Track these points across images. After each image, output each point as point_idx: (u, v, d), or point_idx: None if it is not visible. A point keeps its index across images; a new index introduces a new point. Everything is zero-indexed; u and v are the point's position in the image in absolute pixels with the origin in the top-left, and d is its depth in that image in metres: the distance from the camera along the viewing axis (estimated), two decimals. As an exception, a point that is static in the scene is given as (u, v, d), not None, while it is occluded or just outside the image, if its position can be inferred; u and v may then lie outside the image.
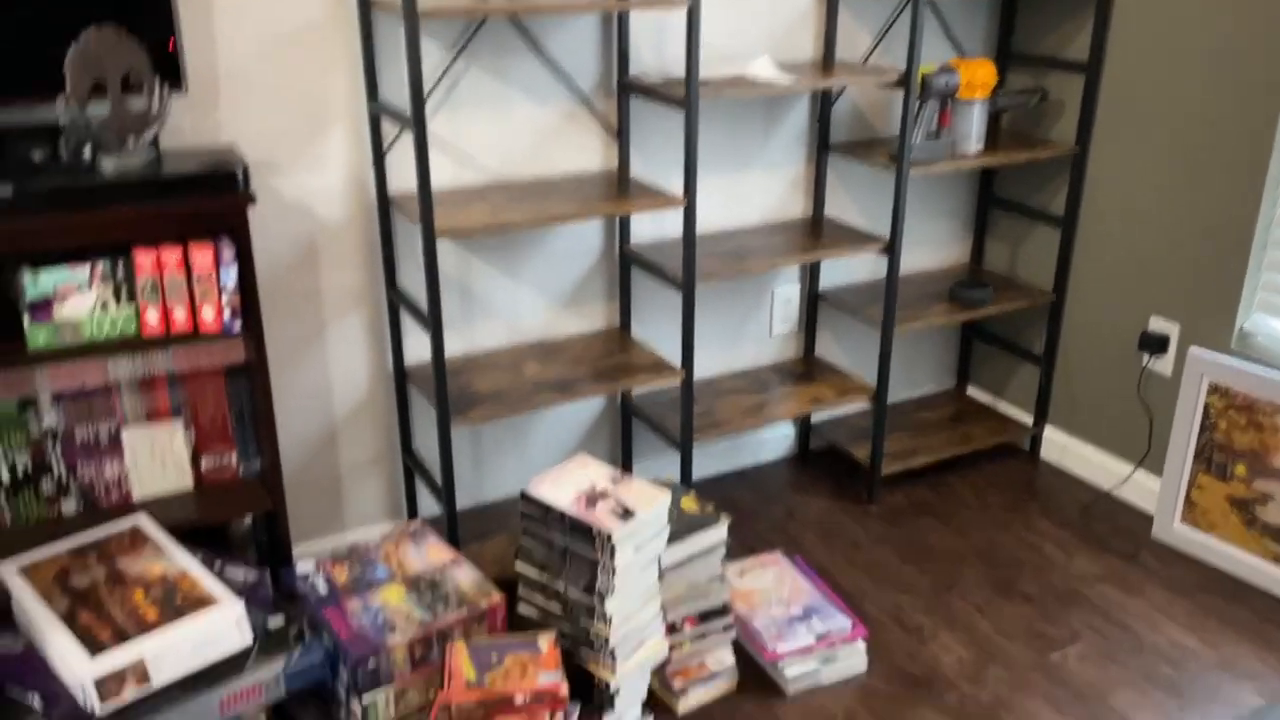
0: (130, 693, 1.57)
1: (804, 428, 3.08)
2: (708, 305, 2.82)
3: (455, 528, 2.32)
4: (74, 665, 1.55)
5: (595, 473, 1.91)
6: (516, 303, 2.57)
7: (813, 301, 2.94)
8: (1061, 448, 3.00)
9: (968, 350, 3.26)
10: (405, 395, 2.50)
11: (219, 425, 2.09)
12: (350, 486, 2.55)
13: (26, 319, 1.77)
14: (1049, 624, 2.33)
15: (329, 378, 2.43)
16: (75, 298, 1.79)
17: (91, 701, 1.54)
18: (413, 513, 2.62)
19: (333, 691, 1.88)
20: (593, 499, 1.83)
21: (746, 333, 2.91)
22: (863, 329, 3.08)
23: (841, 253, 2.57)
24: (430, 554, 2.07)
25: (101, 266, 1.80)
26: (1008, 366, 3.16)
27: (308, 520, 2.51)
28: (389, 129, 2.29)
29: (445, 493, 2.29)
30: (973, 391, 3.29)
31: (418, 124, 1.97)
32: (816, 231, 2.72)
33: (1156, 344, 2.67)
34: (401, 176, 2.33)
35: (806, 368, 2.93)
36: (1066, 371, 2.96)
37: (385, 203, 2.31)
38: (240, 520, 2.18)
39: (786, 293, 2.90)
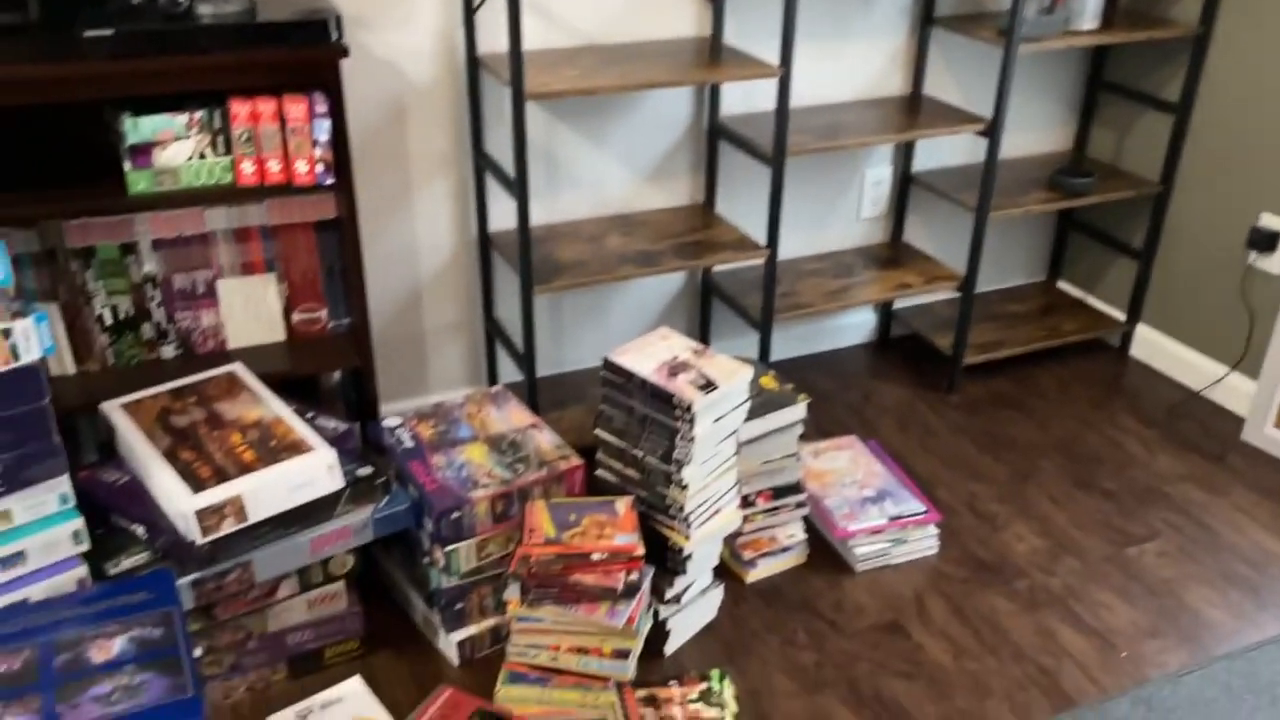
0: (228, 526, 1.65)
1: (886, 314, 3.04)
2: (795, 185, 2.76)
3: (535, 394, 2.36)
4: (177, 499, 1.62)
5: (677, 345, 1.91)
6: (601, 173, 2.54)
7: (904, 184, 2.86)
8: (1152, 346, 2.91)
9: (1062, 241, 3.16)
10: (488, 261, 2.51)
11: (310, 280, 2.13)
12: (433, 350, 2.59)
13: (127, 164, 1.80)
14: (1127, 520, 2.30)
15: (415, 240, 2.44)
16: (174, 145, 1.81)
17: (193, 533, 1.62)
18: (492, 379, 2.66)
19: (416, 539, 1.95)
20: (674, 370, 1.83)
21: (834, 215, 2.85)
22: (954, 215, 2.99)
23: (939, 132, 2.48)
24: (512, 416, 2.10)
25: (199, 115, 1.81)
26: (1103, 260, 3.05)
27: (391, 381, 2.57)
28: (480, -14, 2.24)
29: (526, 360, 2.32)
30: (1064, 285, 3.20)
31: (512, -21, 1.92)
32: (914, 109, 2.62)
33: (1265, 241, 2.55)
34: (491, 36, 2.29)
35: (893, 253, 2.87)
36: (1165, 267, 2.85)
37: (474, 64, 2.27)
38: (329, 375, 2.23)
39: (877, 174, 2.82)
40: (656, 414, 1.82)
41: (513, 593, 1.76)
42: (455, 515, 1.84)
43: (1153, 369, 2.90)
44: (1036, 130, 2.98)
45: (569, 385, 2.67)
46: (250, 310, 2.10)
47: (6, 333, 1.48)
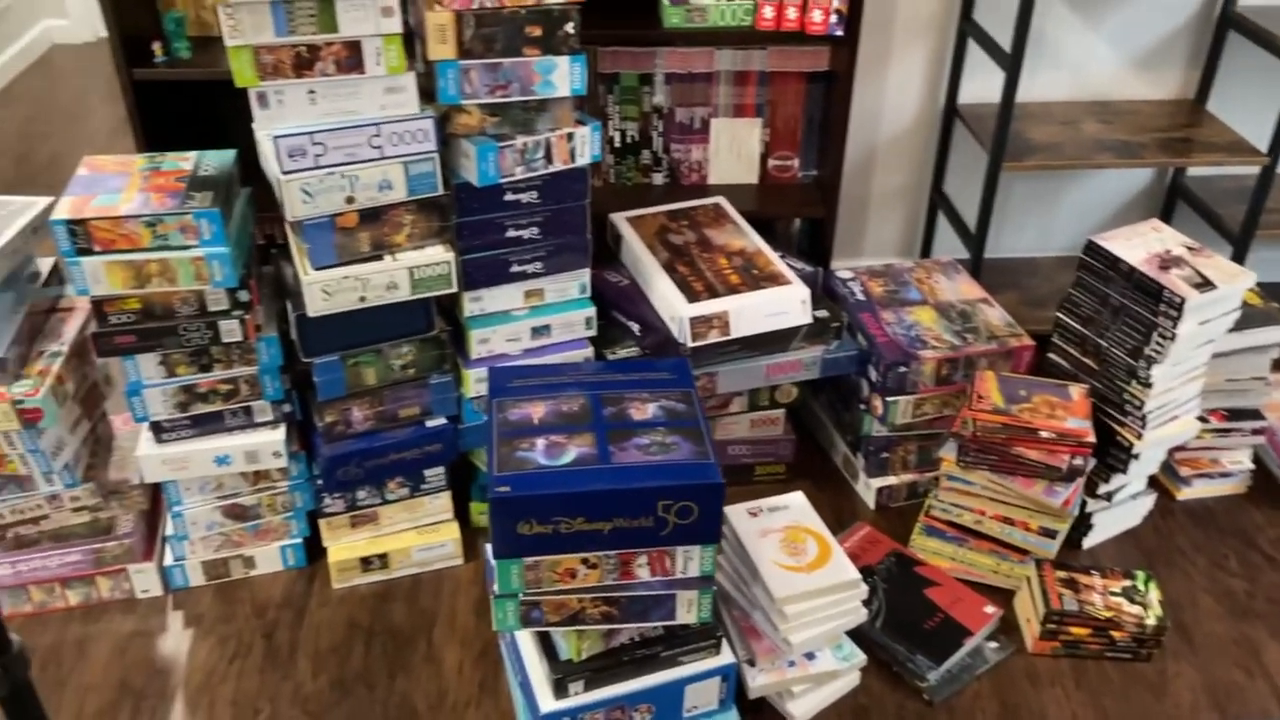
0: (713, 337, 1.84)
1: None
2: (1310, 90, 2.48)
3: (978, 272, 2.36)
4: (675, 305, 1.83)
5: (1169, 238, 1.84)
6: (1087, 54, 2.43)
7: None
8: None
9: None
10: (949, 133, 2.50)
11: (790, 129, 2.24)
12: (874, 214, 2.65)
13: (666, 0, 1.98)
14: None
15: (881, 103, 2.48)
16: (709, -15, 1.96)
17: (684, 336, 1.82)
18: (925, 253, 2.69)
19: (853, 386, 2.06)
20: (1166, 263, 1.77)
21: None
22: None
23: None
24: (962, 288, 2.14)
25: (736, -42, 1.94)
26: None
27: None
28: None
29: (976, 238, 2.32)
30: None
31: None
32: None
33: None
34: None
35: None
36: None
37: (986, -73, 2.23)
38: (788, 221, 2.37)
39: None
40: (1135, 305, 1.78)
41: (949, 451, 1.84)
42: (902, 369, 1.93)
43: None
44: None
45: (1003, 270, 2.64)
46: (734, 150, 2.26)
47: (569, 136, 1.71)
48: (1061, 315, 1.94)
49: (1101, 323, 1.85)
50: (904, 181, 2.61)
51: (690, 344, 1.83)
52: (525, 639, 1.51)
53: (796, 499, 1.76)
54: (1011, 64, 2.10)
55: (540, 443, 1.36)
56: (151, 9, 2.03)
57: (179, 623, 1.82)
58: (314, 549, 1.92)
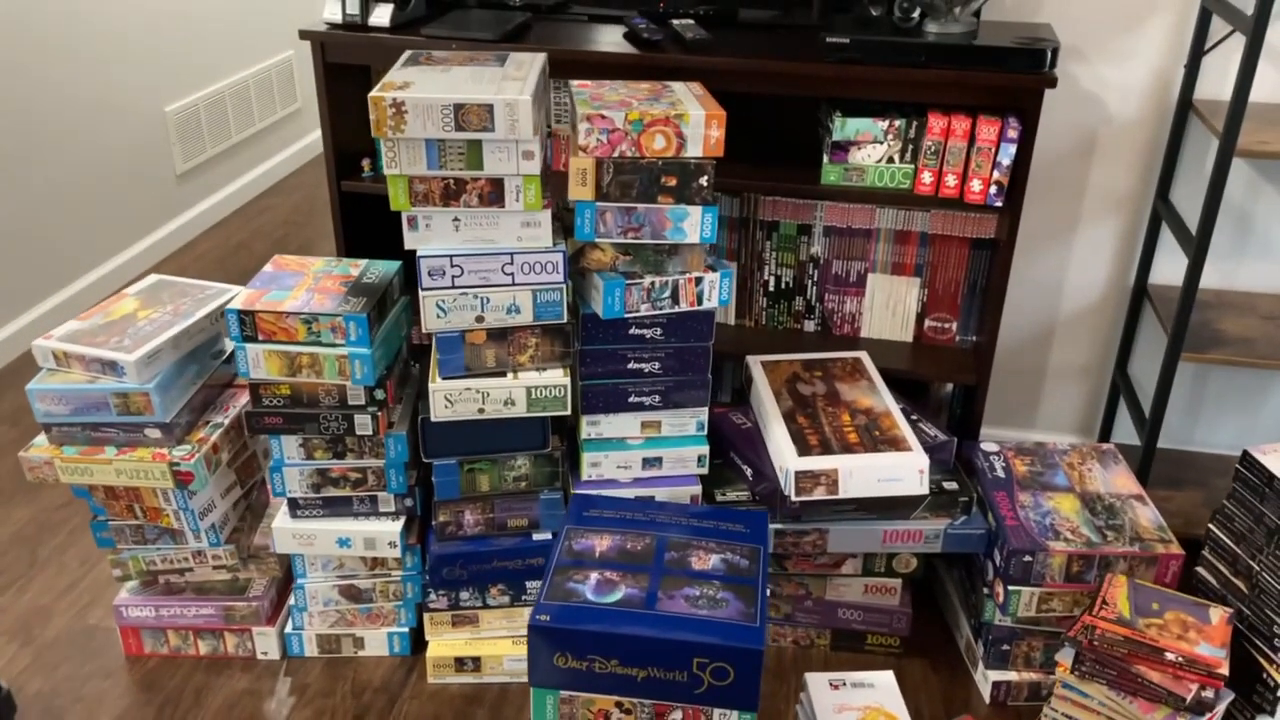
0: (819, 494, 1.81)
1: None
2: None
3: (1149, 464, 2.19)
4: (785, 455, 1.82)
5: (1345, 460, 1.65)
6: (1303, 247, 2.24)
7: None
8: None
9: None
10: (1137, 313, 2.36)
11: (950, 292, 2.20)
12: (1050, 389, 2.52)
13: (826, 156, 2.02)
14: None
15: (1064, 276, 2.39)
16: (869, 147, 1.99)
17: (789, 489, 1.80)
18: (1104, 436, 2.52)
19: (981, 567, 1.95)
20: (1333, 487, 1.59)
21: None
22: None
23: None
24: (1116, 480, 1.99)
25: (898, 123, 1.96)
26: None
27: (997, 409, 2.56)
28: (1217, 27, 2.08)
29: (1150, 425, 2.16)
30: None
31: (1258, 23, 1.77)
32: None
33: None
34: (1213, 82, 2.13)
35: None
36: None
37: (1184, 107, 2.13)
38: (942, 385, 2.30)
39: None
40: (1292, 530, 1.60)
41: (1065, 656, 1.69)
42: (1027, 558, 1.81)
43: None
44: None
45: (1191, 466, 2.43)
46: (889, 307, 2.23)
47: (698, 280, 1.77)
48: (1214, 528, 1.76)
49: (1255, 543, 1.67)
50: (1088, 358, 2.47)
51: (795, 497, 1.81)
52: (568, 771, 1.51)
53: (884, 678, 1.68)
54: (1197, 248, 1.97)
55: (594, 577, 1.38)
56: (366, 129, 2.28)
57: (286, 689, 1.95)
58: (420, 643, 2.01)
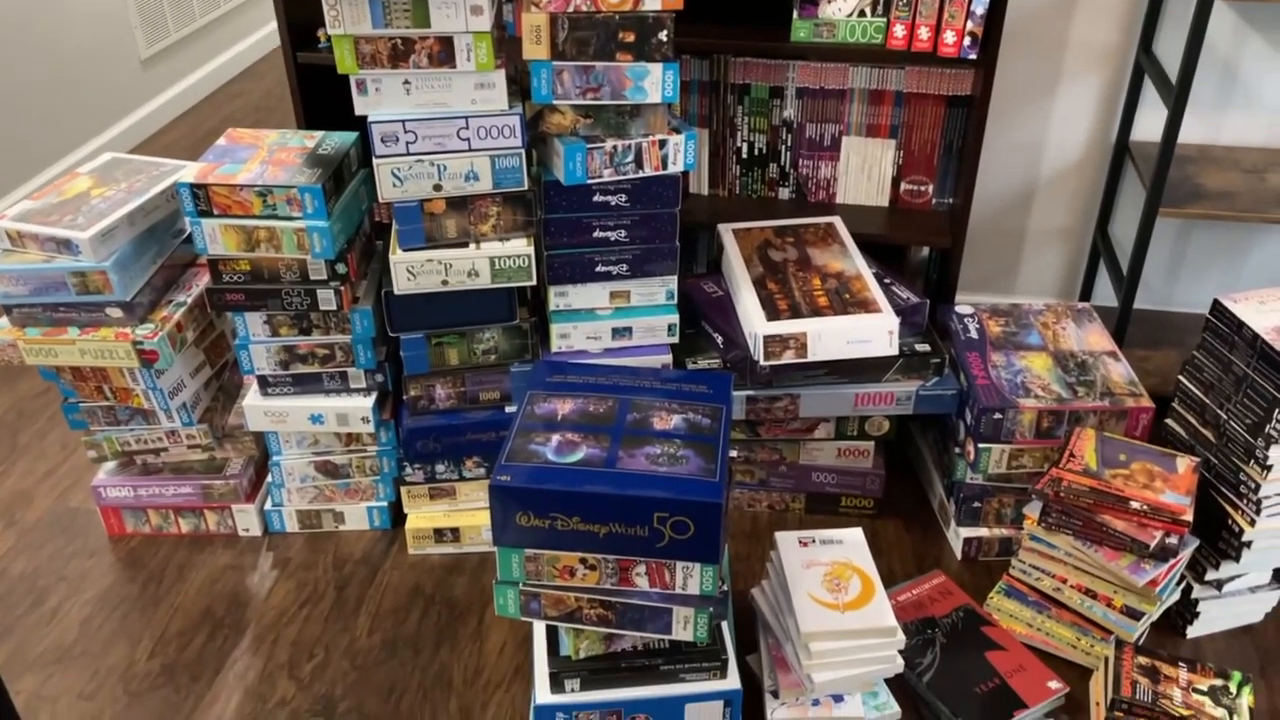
0: (788, 358, 1.80)
1: None
2: None
3: (1126, 323, 2.17)
4: (754, 320, 1.81)
5: (1316, 307, 1.63)
6: (1289, 97, 2.18)
7: None
8: None
9: None
10: (1118, 171, 2.32)
11: (926, 153, 2.15)
12: (1030, 251, 2.49)
13: (795, 13, 1.94)
14: None
15: (1044, 135, 2.33)
16: (840, 0, 1.91)
17: (758, 353, 1.79)
18: (1085, 298, 2.50)
19: (952, 427, 1.96)
20: (1301, 334, 1.57)
21: None
22: None
23: None
24: (1089, 338, 1.98)
25: (868, -27, 1.88)
26: None
27: (979, 272, 2.53)
28: None
29: (1127, 283, 2.14)
30: None
31: None
32: None
33: None
34: (1200, -78, 2.03)
35: None
36: None
37: (1170, -49, 2.05)
38: (918, 249, 2.27)
39: None
40: (1258, 377, 1.59)
41: (1033, 510, 1.71)
42: (997, 416, 1.81)
43: None
44: None
45: (1171, 325, 2.42)
46: (864, 171, 2.19)
47: (662, 143, 1.72)
48: (1184, 379, 1.76)
49: (1223, 392, 1.67)
50: (1068, 219, 2.44)
51: (764, 362, 1.80)
52: (540, 631, 1.54)
53: (852, 535, 1.69)
54: (1177, 97, 1.92)
55: (555, 439, 1.38)
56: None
57: (268, 563, 1.98)
58: (399, 517, 2.03)
